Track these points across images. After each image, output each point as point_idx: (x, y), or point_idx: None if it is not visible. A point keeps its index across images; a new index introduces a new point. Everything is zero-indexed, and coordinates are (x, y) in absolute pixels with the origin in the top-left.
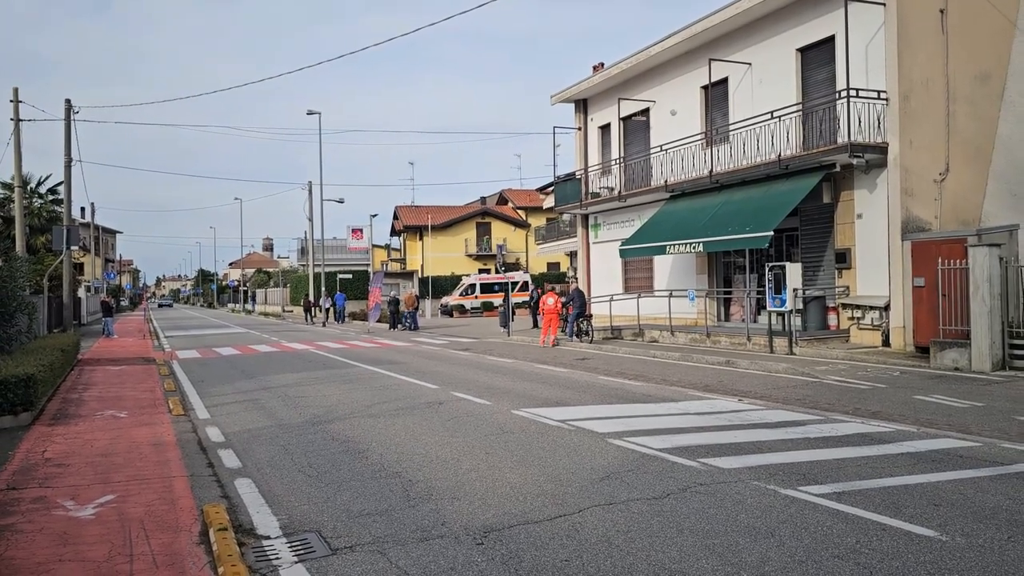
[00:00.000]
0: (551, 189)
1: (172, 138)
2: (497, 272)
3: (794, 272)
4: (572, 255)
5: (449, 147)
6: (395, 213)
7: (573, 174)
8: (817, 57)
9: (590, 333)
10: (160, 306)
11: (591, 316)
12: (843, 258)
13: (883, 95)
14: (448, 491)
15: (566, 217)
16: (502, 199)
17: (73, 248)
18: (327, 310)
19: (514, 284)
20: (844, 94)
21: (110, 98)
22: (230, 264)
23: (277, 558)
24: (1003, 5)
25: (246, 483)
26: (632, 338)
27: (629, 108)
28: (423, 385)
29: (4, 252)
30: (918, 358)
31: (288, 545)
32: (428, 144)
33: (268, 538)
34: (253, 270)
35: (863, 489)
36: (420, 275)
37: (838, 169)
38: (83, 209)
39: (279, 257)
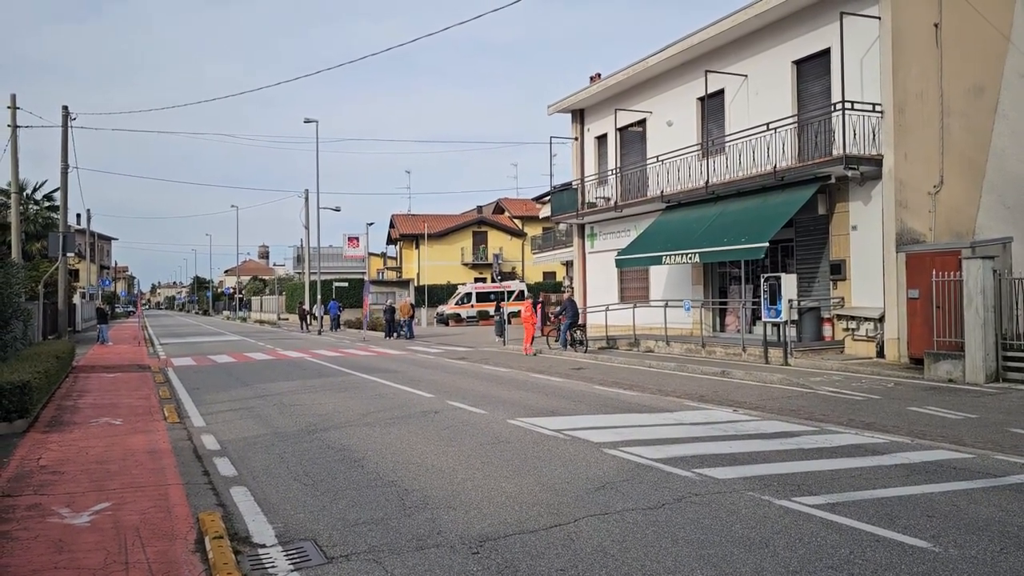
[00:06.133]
0: (547, 199)
1: (168, 144)
2: (493, 281)
3: (789, 283)
4: (568, 264)
5: (446, 156)
6: (391, 221)
7: (569, 184)
8: (812, 70)
9: (584, 343)
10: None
11: (584, 326)
12: (838, 269)
13: (878, 107)
14: (444, 500)
15: (562, 227)
16: (499, 208)
17: (69, 255)
18: (321, 318)
19: (510, 293)
20: (839, 106)
21: (106, 103)
22: (226, 271)
23: (273, 566)
24: (997, 19)
25: (242, 491)
26: (627, 348)
27: (626, 119)
28: (419, 394)
29: (0, 258)
30: (912, 369)
31: (284, 554)
32: (425, 153)
33: (264, 546)
34: (249, 277)
35: (857, 500)
36: (416, 284)
37: (833, 181)
38: (79, 215)
39: (275, 265)
